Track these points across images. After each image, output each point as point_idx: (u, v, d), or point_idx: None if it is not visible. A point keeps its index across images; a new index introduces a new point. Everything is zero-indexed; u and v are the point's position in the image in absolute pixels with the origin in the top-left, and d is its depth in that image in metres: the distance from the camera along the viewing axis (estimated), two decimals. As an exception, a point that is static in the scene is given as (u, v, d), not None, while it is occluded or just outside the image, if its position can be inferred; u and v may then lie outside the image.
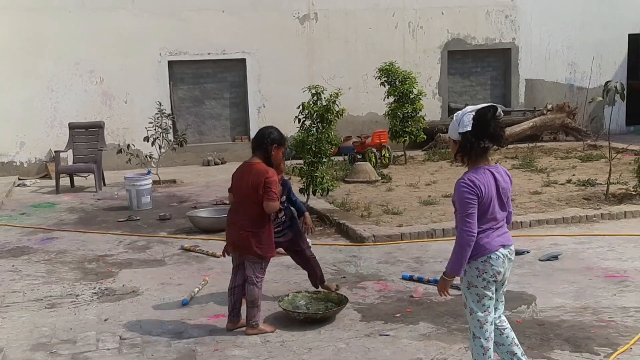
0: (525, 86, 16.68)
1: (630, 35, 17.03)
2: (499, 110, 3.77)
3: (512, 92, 16.59)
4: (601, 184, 10.18)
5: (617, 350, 4.67)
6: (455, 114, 3.86)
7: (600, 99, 9.41)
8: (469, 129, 3.72)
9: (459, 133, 3.77)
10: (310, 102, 8.50)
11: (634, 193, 9.36)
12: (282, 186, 5.78)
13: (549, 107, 15.77)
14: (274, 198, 5.07)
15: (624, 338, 4.89)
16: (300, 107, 8.52)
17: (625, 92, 9.39)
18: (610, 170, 9.58)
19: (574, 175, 11.24)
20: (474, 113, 3.74)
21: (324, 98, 8.54)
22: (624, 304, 5.60)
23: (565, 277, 6.35)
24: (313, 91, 8.51)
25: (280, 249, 6.08)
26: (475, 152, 3.77)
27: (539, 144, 15.15)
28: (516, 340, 4.00)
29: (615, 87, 9.21)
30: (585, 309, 5.52)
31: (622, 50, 16.99)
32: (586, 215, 8.48)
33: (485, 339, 3.85)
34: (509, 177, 3.91)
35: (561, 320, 5.31)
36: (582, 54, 16.64)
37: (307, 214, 6.04)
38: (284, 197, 5.81)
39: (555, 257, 6.95)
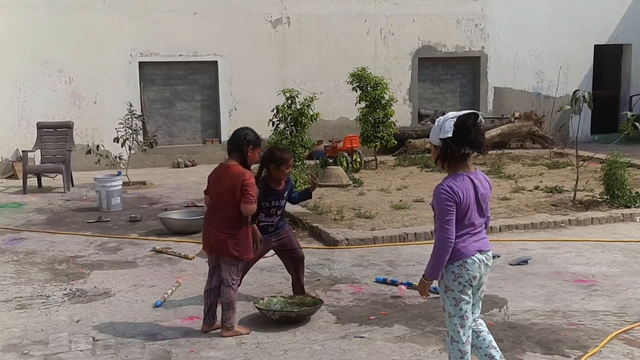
0: (494, 94, 16.93)
1: (595, 46, 17.41)
2: (480, 117, 3.80)
3: (480, 100, 16.81)
4: (568, 190, 10.38)
5: (587, 353, 4.76)
6: (437, 119, 3.89)
7: (569, 107, 9.58)
8: (450, 135, 3.74)
9: (440, 139, 3.80)
10: (285, 106, 8.52)
11: (600, 200, 9.55)
12: (285, 183, 5.77)
13: (517, 115, 16.02)
14: (251, 200, 5.07)
15: (593, 341, 4.99)
16: (275, 110, 8.52)
17: (592, 101, 9.59)
18: (577, 177, 9.77)
19: (541, 182, 11.45)
20: (455, 119, 3.76)
21: (299, 102, 8.56)
22: (593, 307, 5.72)
23: (535, 281, 6.46)
24: (287, 95, 8.52)
25: (271, 251, 6.07)
26: (455, 158, 3.80)
27: (506, 151, 15.37)
28: (494, 343, 4.04)
29: (584, 96, 9.40)
30: (556, 313, 5.62)
31: (588, 60, 17.35)
32: (554, 221, 8.63)
33: (463, 343, 3.89)
34: (488, 183, 3.95)
35: (532, 323, 5.40)
36: (549, 63, 16.94)
37: (311, 187, 6.04)
38: (286, 193, 5.80)
39: (525, 262, 7.07)
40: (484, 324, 4.08)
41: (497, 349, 4.04)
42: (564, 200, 9.81)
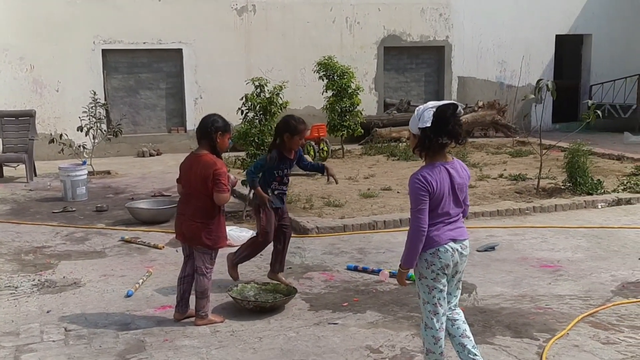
0: (458, 83, 17.12)
1: (557, 36, 17.71)
2: (459, 108, 3.82)
3: (445, 89, 17.00)
4: (531, 178, 10.59)
5: (555, 336, 4.89)
6: (417, 108, 3.89)
7: (533, 96, 9.74)
8: (429, 125, 3.75)
9: (419, 128, 3.81)
10: (254, 94, 8.48)
11: (563, 187, 9.76)
12: (295, 152, 5.88)
13: (480, 104, 16.23)
14: (223, 190, 5.06)
15: (560, 324, 5.13)
16: (244, 99, 8.48)
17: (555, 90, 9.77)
18: (540, 165, 9.97)
19: (505, 170, 11.64)
20: (434, 109, 3.77)
21: (267, 90, 8.53)
22: (559, 292, 5.87)
23: (502, 267, 6.59)
24: (256, 83, 8.49)
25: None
26: (433, 148, 3.81)
27: (470, 139, 15.55)
28: (467, 333, 4.04)
29: (547, 85, 9.56)
30: (523, 297, 5.75)
31: (550, 50, 17.65)
32: (519, 208, 8.80)
33: (437, 330, 3.94)
34: (466, 171, 3.96)
35: (501, 307, 5.52)
36: (512, 53, 17.17)
37: (327, 165, 6.07)
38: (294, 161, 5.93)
39: (492, 248, 7.19)
40: (461, 313, 4.11)
41: (471, 338, 4.05)
42: (528, 188, 10.00)
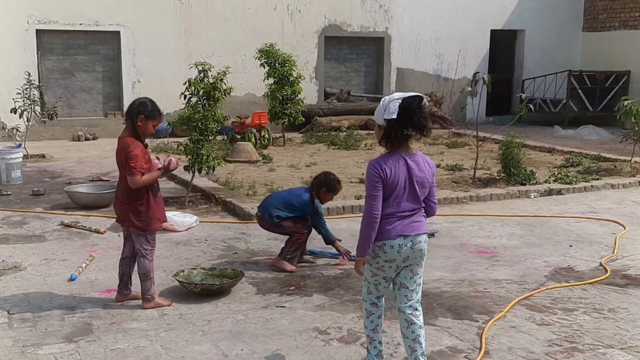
0: (396, 74, 17.38)
1: (492, 31, 18.19)
2: (425, 100, 3.81)
3: (384, 80, 17.23)
4: (467, 169, 10.91)
5: (494, 317, 5.10)
6: (383, 99, 3.87)
7: (470, 89, 10.02)
8: (394, 116, 3.73)
9: (384, 119, 3.79)
10: (197, 79, 8.43)
11: (497, 178, 10.11)
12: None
13: (418, 95, 16.51)
14: (132, 172, 4.97)
15: (498, 306, 5.35)
16: (187, 84, 8.43)
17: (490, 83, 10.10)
18: (477, 156, 10.28)
19: (442, 160, 11.94)
20: (400, 101, 3.75)
21: (211, 75, 8.50)
22: (496, 276, 6.11)
23: (442, 253, 6.80)
24: (200, 68, 8.44)
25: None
26: (398, 139, 3.80)
27: (407, 130, 15.82)
28: (420, 339, 3.95)
29: (483, 79, 9.88)
30: (463, 281, 5.97)
31: (485, 44, 18.12)
32: (457, 197, 9.07)
33: (370, 304, 4.06)
34: (429, 166, 3.91)
35: (442, 291, 5.71)
36: (448, 46, 17.55)
37: (336, 242, 6.35)
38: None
39: (432, 235, 7.37)
40: (420, 317, 3.99)
41: (422, 344, 3.97)
42: (464, 178, 10.30)
